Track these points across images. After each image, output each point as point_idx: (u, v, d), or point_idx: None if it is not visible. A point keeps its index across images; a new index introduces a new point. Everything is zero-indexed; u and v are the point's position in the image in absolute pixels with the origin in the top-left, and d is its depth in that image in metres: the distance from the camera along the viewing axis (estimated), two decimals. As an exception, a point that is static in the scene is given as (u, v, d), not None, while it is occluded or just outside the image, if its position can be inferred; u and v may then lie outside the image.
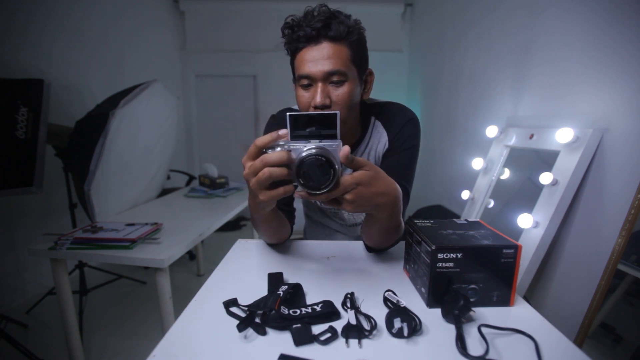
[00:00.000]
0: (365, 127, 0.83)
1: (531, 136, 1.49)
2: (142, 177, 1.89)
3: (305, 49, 0.69)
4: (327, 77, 0.68)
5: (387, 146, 0.81)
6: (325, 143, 0.50)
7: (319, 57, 0.68)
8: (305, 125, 0.53)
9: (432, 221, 0.67)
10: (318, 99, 0.68)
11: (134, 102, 1.61)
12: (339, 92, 0.70)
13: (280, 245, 0.86)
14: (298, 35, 0.68)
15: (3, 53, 1.89)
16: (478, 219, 0.69)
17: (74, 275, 1.91)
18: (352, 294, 0.59)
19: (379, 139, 0.82)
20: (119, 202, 1.67)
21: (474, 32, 2.21)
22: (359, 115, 0.81)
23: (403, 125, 0.80)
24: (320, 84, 0.69)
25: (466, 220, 0.68)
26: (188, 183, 2.78)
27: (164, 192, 2.27)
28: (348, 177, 0.51)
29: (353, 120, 0.77)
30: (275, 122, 0.87)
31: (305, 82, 0.70)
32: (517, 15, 1.72)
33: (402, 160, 0.79)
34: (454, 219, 0.68)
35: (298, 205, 0.95)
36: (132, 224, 1.33)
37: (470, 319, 0.54)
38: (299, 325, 0.49)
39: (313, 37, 0.68)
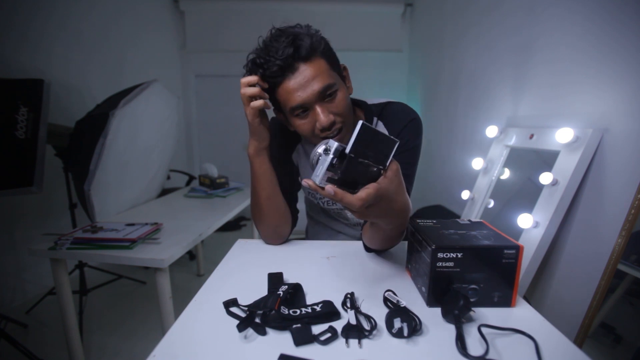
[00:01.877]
0: None
1: (531, 136, 1.48)
2: (142, 177, 1.89)
3: (285, 80, 0.67)
4: (321, 97, 0.68)
5: None
6: None
7: (303, 82, 0.66)
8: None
9: (434, 221, 0.67)
10: (324, 120, 0.67)
11: (134, 102, 1.61)
12: (336, 104, 0.69)
13: (280, 245, 0.86)
14: (272, 71, 0.67)
15: (3, 53, 1.89)
16: (481, 220, 0.69)
17: (74, 275, 1.91)
18: (352, 294, 0.59)
19: None
20: (119, 202, 1.67)
21: (474, 32, 2.21)
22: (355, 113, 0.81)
23: (405, 126, 0.79)
24: (317, 106, 0.68)
25: (469, 220, 0.68)
26: (188, 183, 2.78)
27: (164, 192, 2.26)
28: (372, 189, 0.47)
29: (351, 120, 0.77)
30: (277, 124, 0.88)
31: (300, 111, 0.69)
32: (517, 15, 1.72)
33: (404, 160, 0.78)
34: (457, 219, 0.68)
35: (301, 206, 0.96)
36: (132, 224, 1.33)
37: (471, 319, 0.54)
38: (299, 325, 0.49)
39: (288, 66, 0.66)
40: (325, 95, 0.68)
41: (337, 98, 0.69)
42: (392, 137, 0.49)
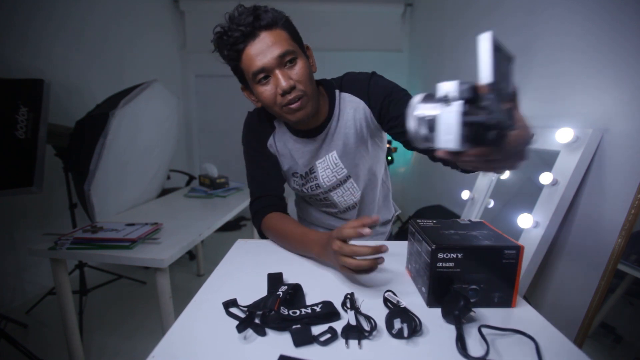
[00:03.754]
0: (332, 103, 0.84)
1: (531, 136, 1.48)
2: (142, 177, 1.89)
3: (247, 47, 0.71)
4: (281, 62, 0.71)
5: (367, 109, 0.83)
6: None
7: (264, 48, 0.70)
8: None
9: (434, 221, 0.67)
10: (283, 83, 0.70)
11: (134, 102, 1.61)
12: (296, 71, 0.72)
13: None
14: (235, 37, 0.70)
15: (3, 53, 1.89)
16: (481, 220, 0.69)
17: (74, 275, 1.91)
18: (352, 294, 0.59)
19: (355, 108, 0.83)
20: (119, 202, 1.67)
21: (474, 32, 2.19)
22: (318, 91, 0.82)
23: (369, 84, 0.82)
24: (277, 71, 0.71)
25: (470, 220, 0.68)
26: (188, 183, 2.77)
27: (164, 192, 2.26)
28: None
29: (317, 95, 0.79)
30: (252, 117, 0.91)
31: (261, 76, 0.72)
32: (517, 15, 1.71)
33: (397, 98, 0.80)
34: (457, 219, 0.68)
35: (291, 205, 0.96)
36: (132, 224, 1.32)
37: (471, 320, 0.54)
38: (298, 326, 0.49)
39: (249, 33, 0.69)
40: (285, 61, 0.71)
41: (298, 66, 0.72)
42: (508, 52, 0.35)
